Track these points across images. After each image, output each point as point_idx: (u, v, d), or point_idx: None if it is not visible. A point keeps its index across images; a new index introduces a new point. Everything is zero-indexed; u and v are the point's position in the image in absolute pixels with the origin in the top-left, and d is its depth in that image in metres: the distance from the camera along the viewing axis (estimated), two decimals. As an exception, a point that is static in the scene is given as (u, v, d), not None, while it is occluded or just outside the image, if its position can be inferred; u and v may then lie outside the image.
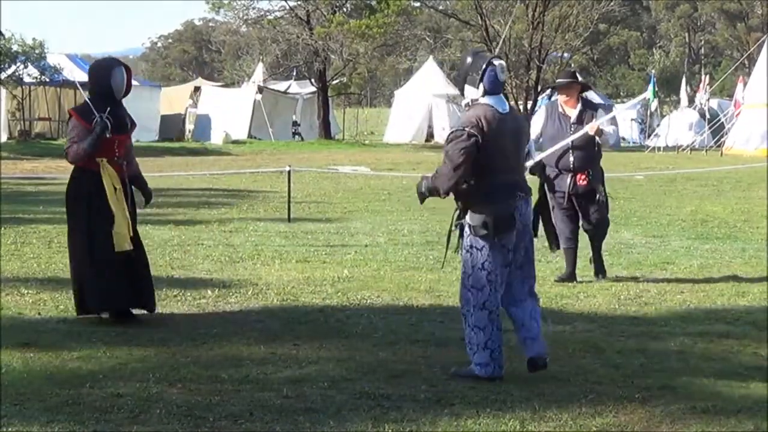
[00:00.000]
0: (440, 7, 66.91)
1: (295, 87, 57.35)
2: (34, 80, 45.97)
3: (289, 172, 19.48)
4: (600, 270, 12.42)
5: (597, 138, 12.03)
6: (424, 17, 72.63)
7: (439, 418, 6.84)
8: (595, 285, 11.96)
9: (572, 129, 12.07)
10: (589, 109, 12.28)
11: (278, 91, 55.46)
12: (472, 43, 61.48)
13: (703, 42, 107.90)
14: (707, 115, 48.90)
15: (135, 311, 9.83)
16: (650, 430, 6.75)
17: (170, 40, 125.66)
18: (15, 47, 45.08)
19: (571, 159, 12.05)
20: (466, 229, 7.86)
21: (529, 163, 11.78)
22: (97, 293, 9.61)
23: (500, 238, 7.73)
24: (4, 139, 45.82)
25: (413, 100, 54.40)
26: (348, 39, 51.64)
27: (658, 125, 54.06)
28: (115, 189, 9.65)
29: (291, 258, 13.66)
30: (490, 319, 7.81)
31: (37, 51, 45.38)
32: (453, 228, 8.11)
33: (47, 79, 45.89)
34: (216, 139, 48.56)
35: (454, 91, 58.22)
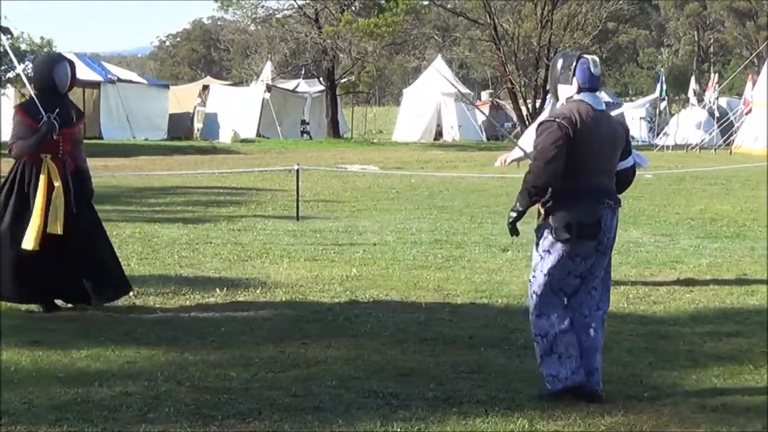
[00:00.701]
0: (449, 6, 66.83)
1: (303, 86, 57.32)
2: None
3: (297, 170, 19.48)
4: None
5: None
6: (432, 16, 72.62)
7: (448, 416, 6.83)
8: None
9: None
10: None
11: (287, 89, 55.42)
12: (480, 42, 61.46)
13: (712, 40, 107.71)
14: (716, 114, 48.78)
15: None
16: (659, 429, 6.74)
17: (179, 39, 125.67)
18: (23, 46, 45.15)
19: None
20: (546, 231, 7.30)
21: (496, 163, 11.74)
22: (10, 285, 9.84)
23: (580, 244, 7.18)
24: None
25: (422, 98, 54.35)
26: (356, 37, 51.60)
27: (667, 124, 53.93)
28: (54, 185, 9.77)
29: (299, 256, 13.66)
30: (551, 325, 7.25)
31: (45, 50, 45.41)
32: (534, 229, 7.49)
33: (56, 78, 45.92)
34: (224, 137, 48.55)
35: (462, 89, 58.29)
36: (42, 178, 9.79)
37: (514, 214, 7.40)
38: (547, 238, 7.30)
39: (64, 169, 9.93)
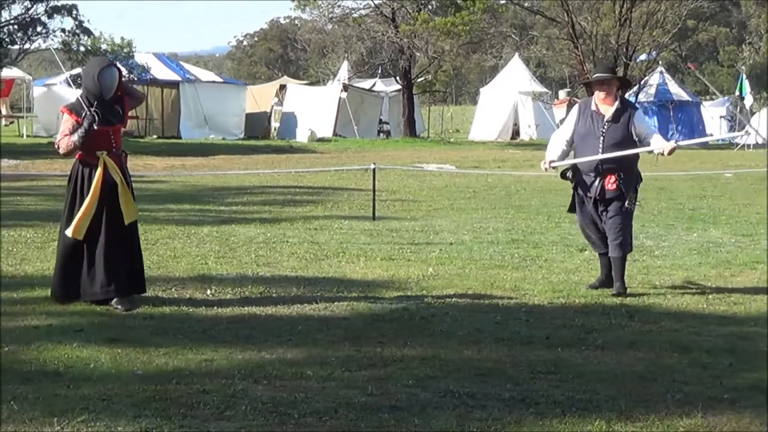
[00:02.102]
0: (526, 4, 66.54)
1: (380, 85, 57.46)
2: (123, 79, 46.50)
3: (374, 169, 19.50)
4: (620, 286, 11.18)
5: (638, 141, 11.26)
6: (509, 14, 72.22)
7: (524, 417, 6.80)
8: (682, 285, 11.81)
9: (605, 128, 11.14)
10: (626, 109, 11.32)
11: (363, 89, 55.59)
12: (558, 40, 61.15)
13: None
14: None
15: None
16: (739, 431, 6.65)
17: (256, 39, 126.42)
18: (104, 46, 45.69)
19: (600, 162, 11.15)
20: None
21: (557, 163, 11.43)
22: (56, 283, 10.21)
23: None
24: (92, 137, 46.41)
25: (499, 97, 54.26)
26: (433, 36, 51.61)
27: (748, 122, 53.27)
28: (111, 180, 10.04)
29: (376, 256, 13.67)
30: None
31: (125, 50, 45.96)
32: None
33: (135, 78, 46.43)
34: (301, 137, 48.80)
35: (539, 88, 58.05)
36: (98, 173, 10.03)
37: None
38: None
39: (121, 163, 10.22)
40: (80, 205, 10.09)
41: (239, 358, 8.25)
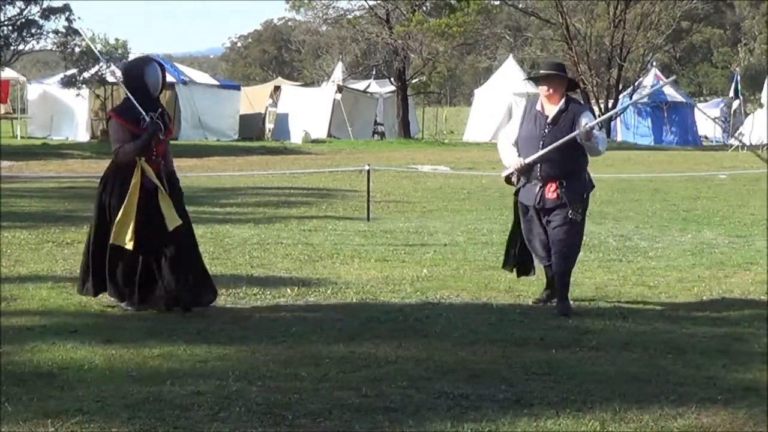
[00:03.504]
0: (520, 6, 66.64)
1: (374, 86, 57.43)
2: (117, 80, 46.55)
3: (368, 171, 19.50)
4: (563, 306, 10.28)
5: (582, 143, 10.08)
6: (503, 15, 72.38)
7: (519, 418, 6.80)
8: (677, 286, 11.82)
9: (546, 130, 10.16)
10: (571, 110, 10.27)
11: (358, 90, 55.57)
12: (552, 41, 61.21)
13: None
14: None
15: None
16: (733, 431, 6.67)
17: (250, 40, 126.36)
18: (98, 46, 45.64)
19: (539, 166, 10.20)
20: None
21: (505, 172, 10.52)
22: (81, 280, 10.11)
23: None
24: (86, 138, 46.40)
25: (493, 99, 54.21)
26: (428, 38, 51.64)
27: (742, 124, 53.34)
28: (149, 186, 9.83)
29: (370, 257, 13.67)
30: None
31: (119, 51, 45.94)
32: None
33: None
34: (295, 138, 48.76)
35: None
36: (134, 181, 9.79)
37: None
38: None
39: (159, 171, 9.95)
40: (110, 210, 9.89)
41: (233, 359, 8.25)
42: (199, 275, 10.14)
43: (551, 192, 10.15)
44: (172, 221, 9.86)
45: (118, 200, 9.85)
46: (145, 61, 10.29)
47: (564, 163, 10.13)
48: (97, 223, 10.03)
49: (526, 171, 10.29)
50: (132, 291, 9.92)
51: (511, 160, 10.40)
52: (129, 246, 9.74)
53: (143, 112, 9.80)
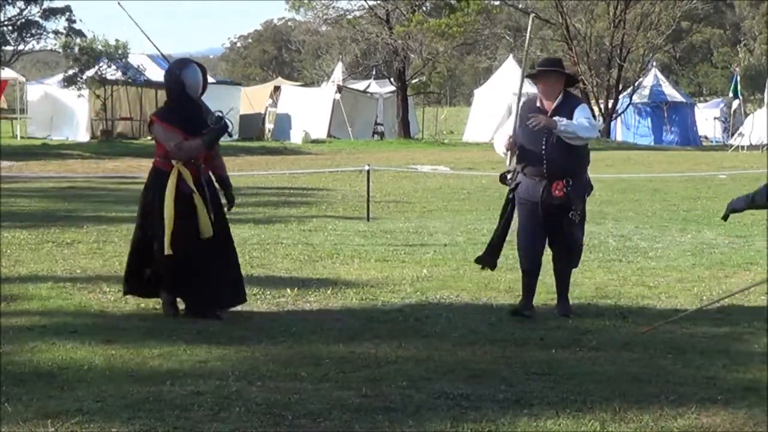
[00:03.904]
0: (520, 6, 66.61)
1: (374, 86, 57.42)
2: (117, 80, 46.56)
3: (368, 171, 19.50)
4: (563, 306, 10.34)
5: (556, 132, 9.92)
6: (503, 16, 72.37)
7: (519, 418, 6.80)
8: (676, 286, 11.82)
9: (546, 128, 10.01)
10: (567, 105, 10.16)
11: (357, 90, 55.56)
12: (552, 41, 61.21)
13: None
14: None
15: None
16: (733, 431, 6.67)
17: (250, 40, 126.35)
18: (99, 47, 45.64)
19: (545, 164, 10.06)
20: None
21: (499, 150, 10.38)
22: (125, 279, 10.12)
23: None
24: (86, 138, 46.40)
25: (493, 99, 54.18)
26: (427, 38, 51.64)
27: (741, 124, 53.35)
28: (185, 191, 9.73)
29: (370, 257, 13.67)
30: None
31: (119, 51, 45.88)
32: None
33: (130, 80, 46.39)
34: (295, 138, 48.76)
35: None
36: (170, 184, 9.71)
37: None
38: None
39: (199, 175, 9.88)
40: (153, 215, 9.82)
41: (233, 359, 8.25)
42: (237, 276, 10.17)
43: (558, 190, 10.03)
44: (206, 230, 9.76)
45: (159, 203, 9.77)
46: (185, 63, 10.23)
47: (568, 162, 10.05)
48: (141, 225, 10.03)
49: (524, 169, 10.17)
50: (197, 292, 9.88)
51: (503, 141, 10.32)
52: (167, 251, 9.67)
53: (210, 110, 9.85)
